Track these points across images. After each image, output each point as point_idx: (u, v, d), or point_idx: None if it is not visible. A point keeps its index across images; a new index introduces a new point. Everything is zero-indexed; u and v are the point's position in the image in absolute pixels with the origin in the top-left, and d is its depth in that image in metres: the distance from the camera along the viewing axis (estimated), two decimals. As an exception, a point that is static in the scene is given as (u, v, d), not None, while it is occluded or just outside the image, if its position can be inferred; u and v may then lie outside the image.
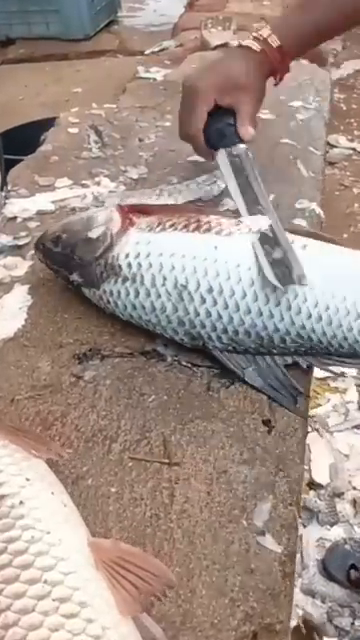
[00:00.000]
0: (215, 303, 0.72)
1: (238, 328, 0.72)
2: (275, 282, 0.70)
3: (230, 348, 0.73)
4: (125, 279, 0.75)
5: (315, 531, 1.52)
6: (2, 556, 0.47)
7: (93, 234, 0.79)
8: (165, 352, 0.76)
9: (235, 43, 1.72)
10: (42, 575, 0.47)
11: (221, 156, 0.88)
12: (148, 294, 0.74)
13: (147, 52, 2.37)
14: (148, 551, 0.56)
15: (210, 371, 0.73)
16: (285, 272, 0.70)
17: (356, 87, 3.23)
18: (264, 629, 0.52)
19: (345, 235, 2.48)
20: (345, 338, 0.72)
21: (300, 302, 0.71)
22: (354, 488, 1.77)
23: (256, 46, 0.88)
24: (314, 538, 1.45)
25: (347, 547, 1.61)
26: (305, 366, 0.74)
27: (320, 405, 1.78)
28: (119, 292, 0.76)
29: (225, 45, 1.62)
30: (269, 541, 0.57)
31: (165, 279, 0.73)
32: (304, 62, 1.58)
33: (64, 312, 0.83)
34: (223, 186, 0.85)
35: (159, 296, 0.74)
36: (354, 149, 3.24)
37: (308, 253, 0.74)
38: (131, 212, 0.81)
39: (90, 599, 0.46)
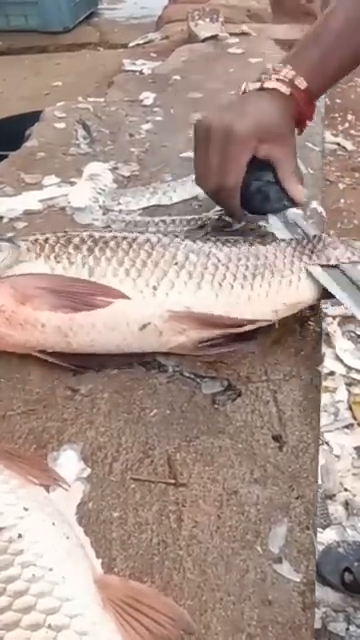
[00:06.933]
0: None
1: None
2: None
3: None
4: None
5: (307, 534, 1.48)
6: (1, 598, 0.43)
7: None
8: (166, 362, 0.71)
9: (224, 35, 1.68)
10: (45, 619, 0.42)
11: (274, 222, 0.79)
12: None
13: (132, 44, 2.32)
14: (156, 582, 0.52)
15: (215, 382, 0.69)
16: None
17: (340, 81, 3.21)
18: (285, 667, 0.48)
19: (332, 232, 2.46)
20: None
21: None
22: (346, 490, 1.74)
23: (284, 89, 0.77)
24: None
25: (340, 550, 1.58)
26: None
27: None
28: None
29: (215, 37, 1.58)
30: (286, 569, 0.53)
31: None
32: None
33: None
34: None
35: None
36: (339, 144, 3.22)
37: None
38: None
39: (99, 645, 0.42)
